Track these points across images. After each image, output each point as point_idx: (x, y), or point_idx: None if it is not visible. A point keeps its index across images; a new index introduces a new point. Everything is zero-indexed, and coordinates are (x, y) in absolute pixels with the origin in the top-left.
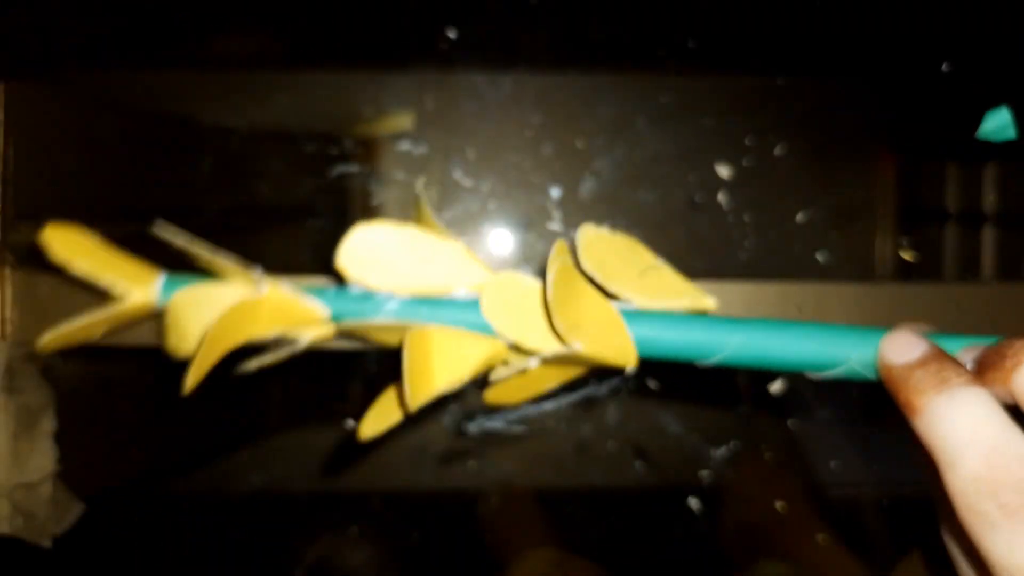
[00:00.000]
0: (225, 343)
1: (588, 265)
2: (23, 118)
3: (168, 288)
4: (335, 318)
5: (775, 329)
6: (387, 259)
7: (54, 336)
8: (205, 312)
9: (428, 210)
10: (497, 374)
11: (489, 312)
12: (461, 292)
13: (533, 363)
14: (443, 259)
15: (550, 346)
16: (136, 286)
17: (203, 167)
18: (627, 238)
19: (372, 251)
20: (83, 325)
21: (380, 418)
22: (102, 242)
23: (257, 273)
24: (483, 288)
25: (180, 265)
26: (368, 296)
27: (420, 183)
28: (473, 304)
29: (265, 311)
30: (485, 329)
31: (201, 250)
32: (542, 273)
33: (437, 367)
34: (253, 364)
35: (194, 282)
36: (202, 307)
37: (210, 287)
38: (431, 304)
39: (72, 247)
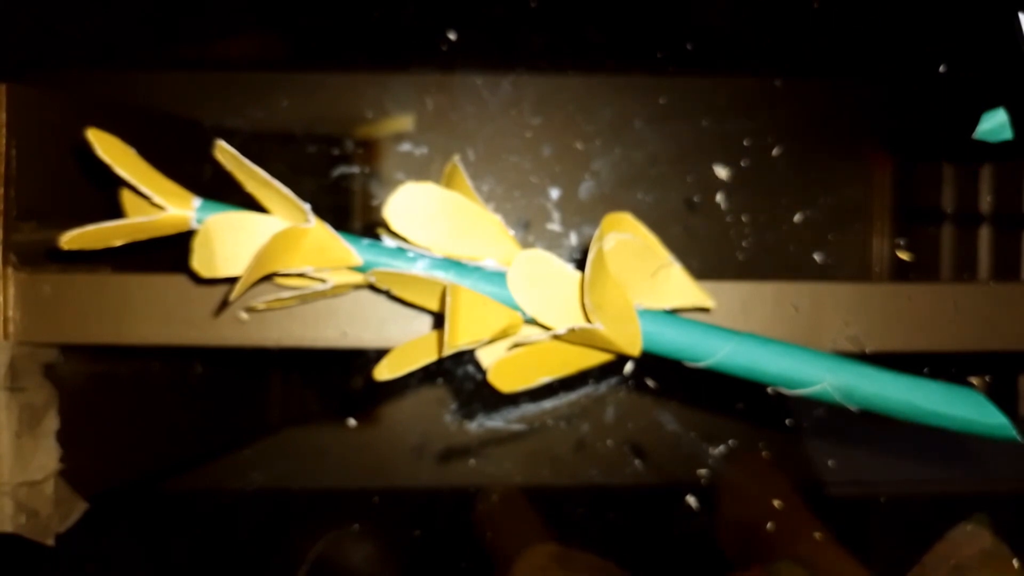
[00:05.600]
0: (272, 264)
1: (611, 269)
2: (25, 118)
3: (203, 210)
4: (365, 267)
5: (761, 344)
6: (429, 218)
7: (80, 234)
8: (241, 238)
9: (467, 182)
10: (512, 341)
11: (514, 285)
12: (490, 263)
13: (551, 335)
14: (479, 228)
15: (565, 324)
16: (174, 201)
17: (204, 168)
18: (645, 236)
19: (417, 208)
20: (115, 227)
21: (396, 364)
22: (142, 159)
23: (307, 206)
24: (511, 261)
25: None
26: (401, 251)
27: (455, 157)
28: (499, 276)
29: (307, 243)
30: (506, 301)
31: (259, 172)
32: None
33: (463, 324)
34: (261, 305)
35: (229, 209)
36: (239, 232)
37: (249, 215)
38: (460, 268)
39: (115, 152)
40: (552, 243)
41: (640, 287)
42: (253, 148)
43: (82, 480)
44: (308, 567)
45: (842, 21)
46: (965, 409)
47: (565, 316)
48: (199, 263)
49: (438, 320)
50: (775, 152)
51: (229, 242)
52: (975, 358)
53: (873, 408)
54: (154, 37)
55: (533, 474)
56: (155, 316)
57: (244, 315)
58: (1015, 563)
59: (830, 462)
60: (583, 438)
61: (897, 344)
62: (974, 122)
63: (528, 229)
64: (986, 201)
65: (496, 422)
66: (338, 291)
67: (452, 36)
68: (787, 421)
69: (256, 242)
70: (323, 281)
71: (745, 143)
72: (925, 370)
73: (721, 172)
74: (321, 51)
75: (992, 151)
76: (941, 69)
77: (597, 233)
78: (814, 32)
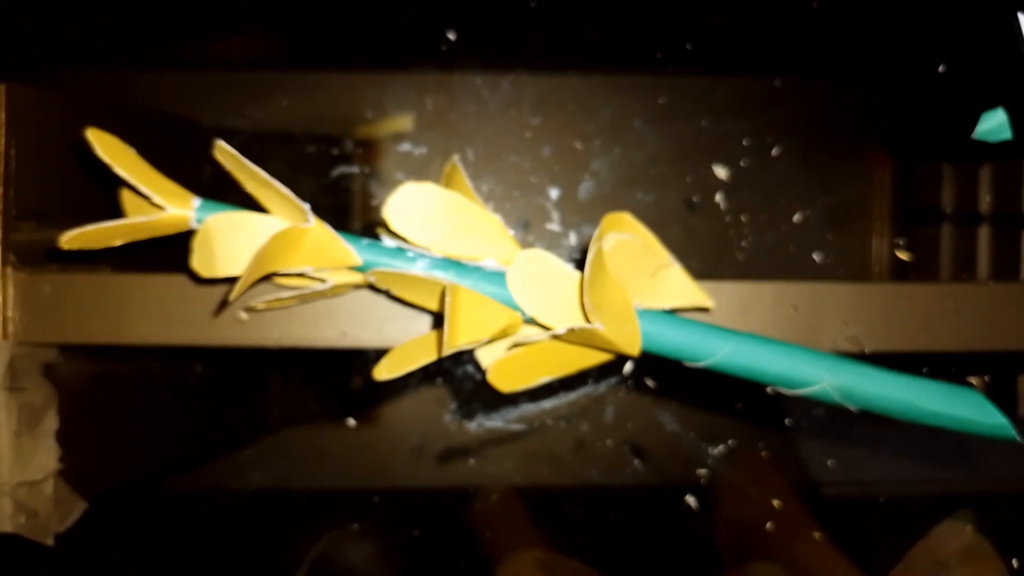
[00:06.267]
0: (272, 264)
1: (611, 269)
2: (24, 118)
3: (202, 210)
4: (365, 267)
5: (761, 344)
6: (429, 218)
7: (80, 234)
8: (241, 238)
9: (467, 182)
10: (512, 341)
11: (513, 284)
12: (490, 263)
13: (551, 335)
14: (479, 228)
15: (565, 324)
16: (174, 201)
17: (204, 168)
18: (644, 236)
19: (417, 208)
20: (115, 227)
21: (395, 364)
22: (142, 159)
23: (307, 206)
24: (511, 261)
25: None
26: (400, 251)
27: (454, 156)
28: (499, 276)
29: (307, 243)
30: (506, 300)
31: (258, 172)
32: None
33: (462, 324)
34: (261, 304)
35: (229, 209)
36: (238, 232)
37: (249, 215)
38: (460, 268)
39: (115, 152)
40: (552, 243)
41: (640, 287)
42: (253, 148)
43: (82, 480)
44: (308, 567)
45: (842, 21)
46: (965, 409)
47: (565, 316)
48: (199, 263)
49: (438, 320)
50: (775, 152)
51: (229, 242)
52: (975, 358)
53: (873, 408)
54: (154, 37)
55: (533, 474)
56: (155, 316)
57: (244, 315)
58: (1015, 563)
59: (830, 462)
60: (583, 438)
61: (897, 344)
62: (974, 122)
63: (528, 229)
64: (986, 201)
65: (496, 422)
66: (338, 291)
67: (452, 36)
68: (787, 421)
69: (256, 242)
70: (323, 281)
71: (745, 143)
72: (925, 370)
73: (721, 172)
74: (321, 51)
75: (992, 151)
76: (941, 69)
77: (596, 233)
78: (814, 32)
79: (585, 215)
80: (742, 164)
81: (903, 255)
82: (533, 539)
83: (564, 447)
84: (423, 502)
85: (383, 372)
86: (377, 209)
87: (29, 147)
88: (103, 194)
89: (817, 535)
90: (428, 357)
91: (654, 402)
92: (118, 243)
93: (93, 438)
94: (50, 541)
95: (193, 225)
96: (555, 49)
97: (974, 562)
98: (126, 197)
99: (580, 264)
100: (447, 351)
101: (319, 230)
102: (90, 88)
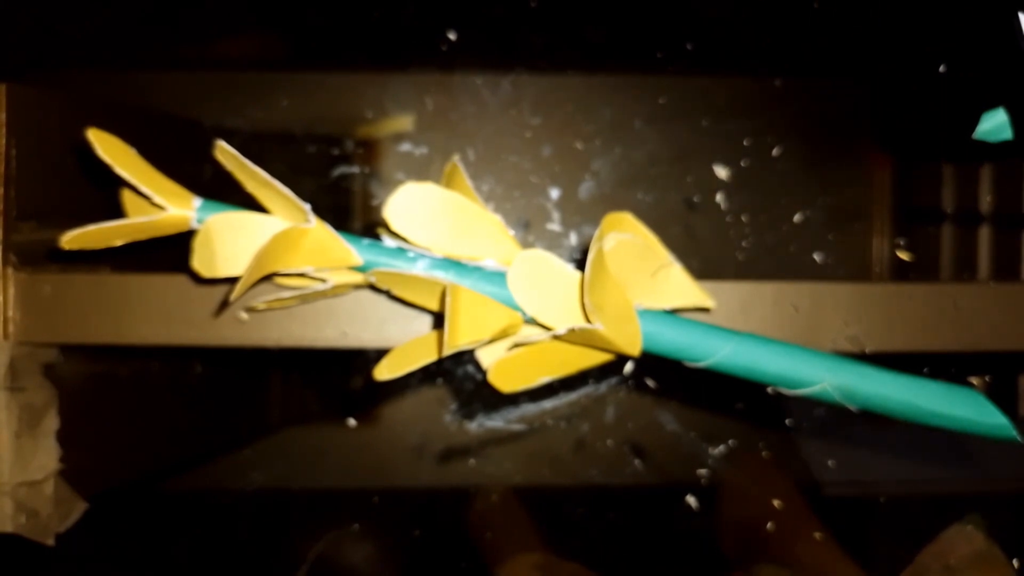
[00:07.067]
0: (272, 264)
1: (611, 269)
2: (25, 118)
3: (203, 210)
4: (365, 267)
5: (761, 344)
6: (430, 218)
7: (80, 234)
8: (241, 237)
9: (467, 182)
10: (512, 341)
11: (514, 284)
12: (490, 263)
13: (551, 335)
14: (480, 228)
15: (565, 325)
16: (175, 201)
17: (204, 168)
18: (645, 236)
19: (417, 208)
20: (115, 227)
21: (396, 365)
22: (142, 159)
23: (308, 206)
24: (511, 261)
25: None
26: (401, 251)
27: (455, 156)
28: (499, 276)
29: (308, 243)
30: (506, 301)
31: (259, 172)
32: None
33: (463, 324)
34: (261, 305)
35: (229, 209)
36: (239, 232)
37: (249, 215)
38: (460, 268)
39: (115, 152)
40: (552, 243)
41: (640, 287)
42: (253, 148)
43: (82, 480)
44: (308, 567)
45: (842, 21)
46: (965, 409)
47: (565, 316)
48: (199, 263)
49: (438, 320)
50: (775, 152)
51: (229, 242)
52: (975, 358)
53: (873, 408)
54: (154, 37)
55: (533, 474)
56: (155, 316)
57: (244, 315)
58: (1015, 563)
59: (830, 462)
60: (583, 438)
61: (897, 344)
62: (974, 122)
63: (528, 229)
64: (986, 201)
65: (496, 422)
66: (338, 291)
67: (452, 36)
68: (787, 421)
69: (256, 242)
70: (323, 281)
71: (745, 143)
72: (925, 370)
73: (721, 172)
74: (321, 51)
75: (992, 151)
76: (941, 69)
77: (597, 233)
78: (814, 32)
79: (585, 215)
80: (742, 164)
81: (903, 255)
82: (532, 540)
83: (564, 447)
84: (423, 502)
85: (383, 372)
86: (377, 209)
87: (29, 147)
88: (103, 194)
89: (818, 535)
90: (429, 357)
91: (654, 402)
92: (118, 243)
93: (93, 438)
94: (50, 541)
95: (194, 225)
96: (555, 49)
97: (984, 567)
98: (127, 197)
99: (580, 264)
100: (447, 351)
101: (320, 230)
102: (90, 88)
